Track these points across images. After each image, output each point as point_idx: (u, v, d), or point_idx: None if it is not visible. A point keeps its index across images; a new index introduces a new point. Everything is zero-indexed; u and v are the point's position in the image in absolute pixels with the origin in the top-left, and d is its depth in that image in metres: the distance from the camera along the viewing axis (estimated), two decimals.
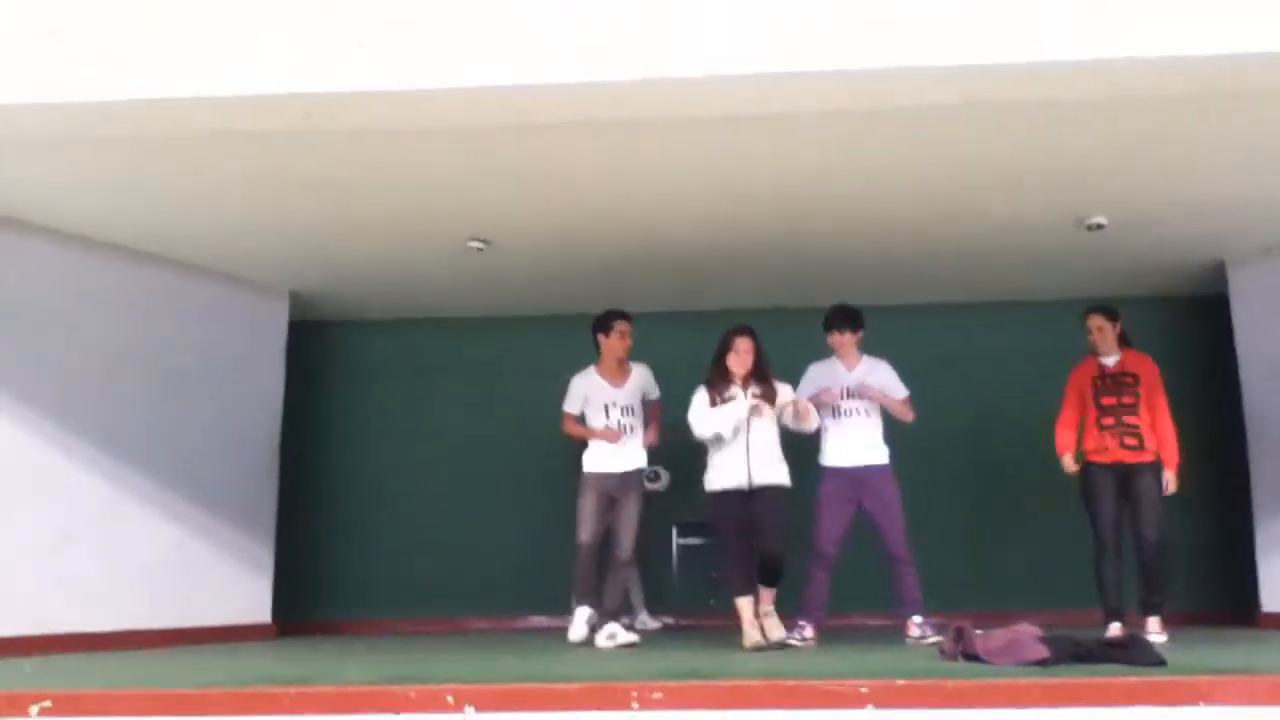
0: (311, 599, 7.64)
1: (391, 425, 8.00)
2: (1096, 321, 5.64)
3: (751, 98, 4.31)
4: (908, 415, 5.62)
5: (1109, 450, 5.46)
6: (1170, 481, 5.45)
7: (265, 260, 6.70)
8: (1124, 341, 5.67)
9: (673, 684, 3.19)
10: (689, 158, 5.12)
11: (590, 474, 5.74)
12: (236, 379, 6.92)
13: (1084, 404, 5.59)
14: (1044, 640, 3.71)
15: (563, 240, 6.33)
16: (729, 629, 5.63)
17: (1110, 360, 5.62)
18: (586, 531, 5.65)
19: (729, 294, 7.34)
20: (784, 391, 5.16)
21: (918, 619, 5.36)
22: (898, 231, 6.26)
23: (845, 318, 5.70)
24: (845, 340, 5.67)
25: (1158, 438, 5.49)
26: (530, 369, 7.88)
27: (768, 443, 5.06)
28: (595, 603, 5.63)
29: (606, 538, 5.73)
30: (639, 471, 5.76)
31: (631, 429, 5.76)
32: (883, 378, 5.66)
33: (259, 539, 6.96)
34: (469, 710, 3.18)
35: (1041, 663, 3.57)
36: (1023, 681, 3.20)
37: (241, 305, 7.00)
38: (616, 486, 5.69)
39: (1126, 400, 5.50)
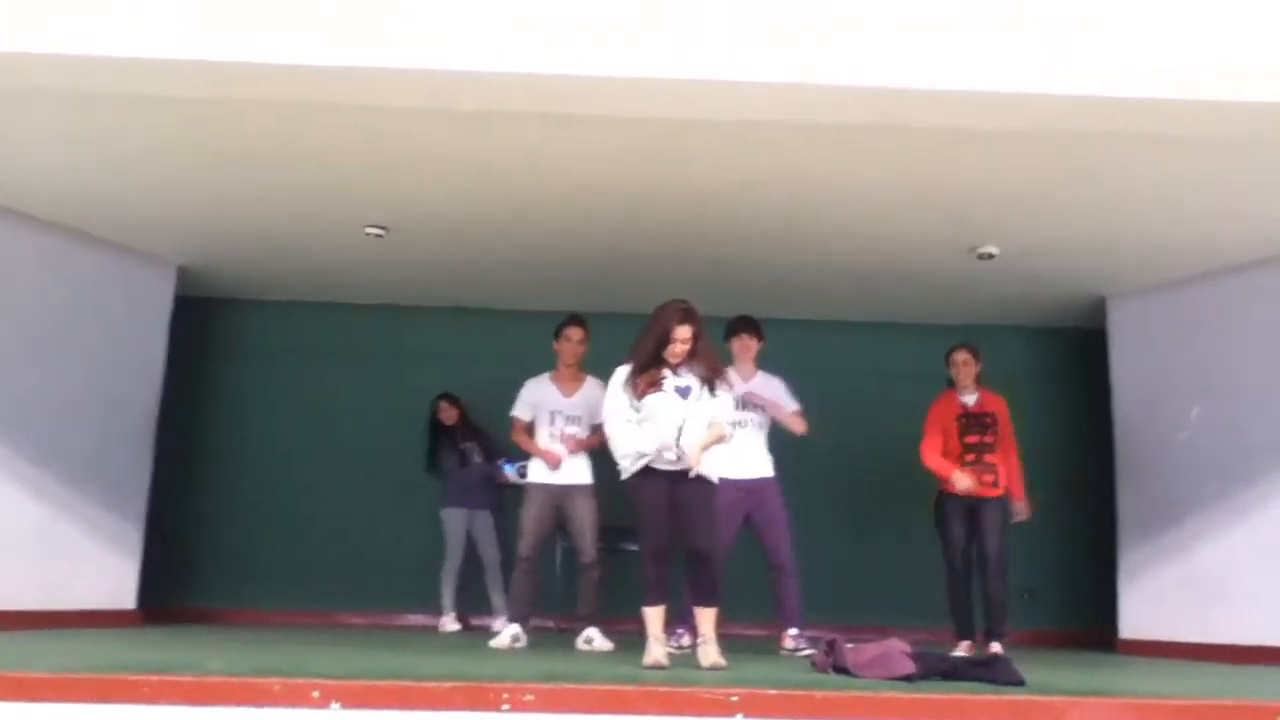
0: (183, 585, 7.41)
1: (278, 409, 7.82)
2: (963, 356, 5.87)
3: (670, 101, 4.33)
4: (800, 427, 5.70)
5: (969, 486, 5.69)
6: (1023, 510, 5.82)
7: (154, 230, 6.47)
8: (979, 380, 5.91)
9: (545, 686, 3.17)
10: (598, 157, 5.11)
11: (534, 485, 5.66)
12: (114, 351, 6.66)
13: (945, 438, 5.82)
14: (912, 656, 3.79)
15: (464, 231, 6.25)
16: (613, 632, 5.63)
17: (970, 399, 5.86)
18: (527, 544, 5.58)
19: (629, 297, 7.34)
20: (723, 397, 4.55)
21: (793, 631, 5.44)
22: (802, 245, 6.35)
23: (748, 325, 5.80)
24: (749, 345, 5.73)
25: (1008, 470, 5.80)
26: (424, 359, 7.80)
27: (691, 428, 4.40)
28: (525, 619, 5.59)
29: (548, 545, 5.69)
30: (588, 486, 5.64)
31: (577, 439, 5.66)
32: (775, 391, 5.73)
33: (129, 520, 6.71)
34: (335, 706, 3.11)
35: (908, 678, 3.65)
36: (887, 695, 3.27)
37: (125, 275, 6.74)
38: (561, 496, 5.63)
39: (988, 439, 5.78)
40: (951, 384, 5.93)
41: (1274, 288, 6.28)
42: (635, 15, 4.08)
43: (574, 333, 5.76)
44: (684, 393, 4.40)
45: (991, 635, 5.67)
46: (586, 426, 5.69)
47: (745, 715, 3.09)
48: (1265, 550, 6.11)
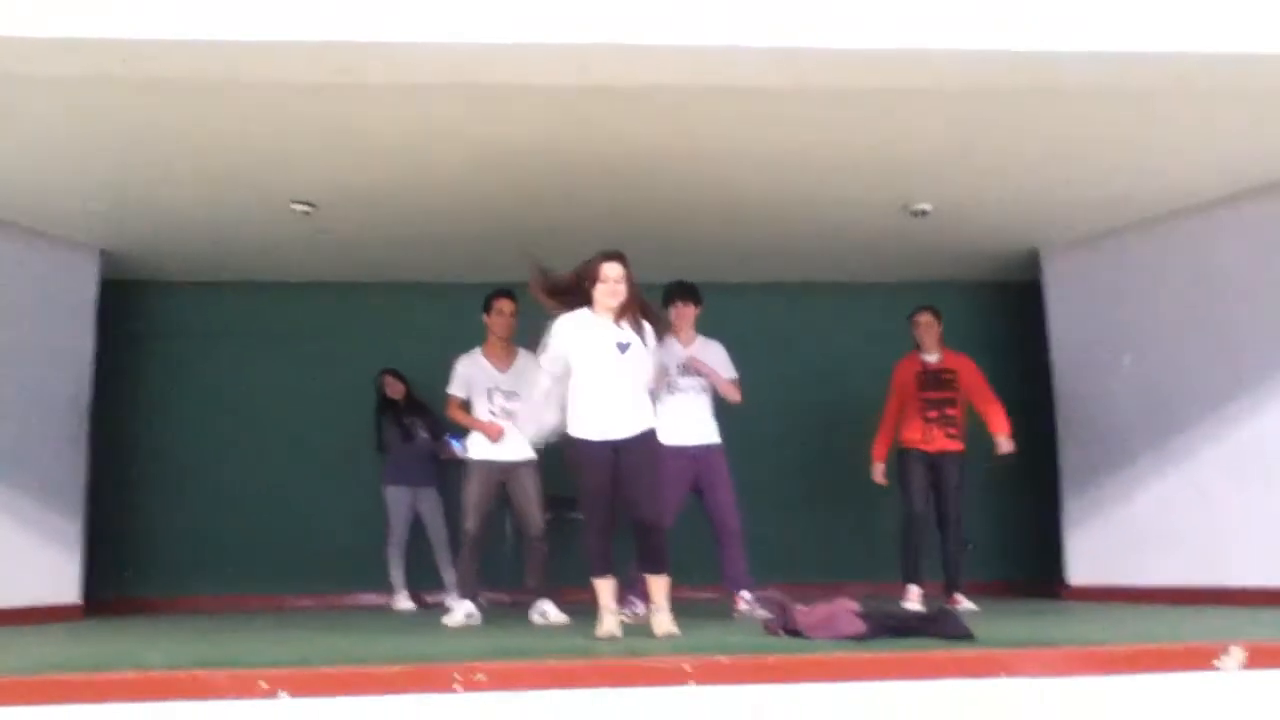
0: (127, 576, 7.26)
1: (213, 392, 7.67)
2: (925, 318, 6.08)
3: (588, 67, 4.27)
4: (735, 396, 5.69)
5: (933, 441, 5.97)
6: (1005, 444, 5.95)
7: (72, 215, 6.26)
8: (942, 341, 6.10)
9: (495, 664, 3.14)
10: (525, 126, 5.03)
11: (476, 461, 5.59)
12: (39, 341, 6.46)
13: (906, 398, 6.03)
14: (861, 615, 3.82)
15: (392, 206, 6.14)
16: (567, 604, 5.61)
17: (932, 357, 6.08)
18: (472, 521, 5.51)
19: (565, 267, 7.27)
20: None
21: (746, 594, 5.47)
22: (734, 211, 6.33)
23: (685, 291, 5.76)
24: (686, 313, 5.71)
25: (990, 415, 5.99)
26: (358, 337, 7.71)
27: (632, 386, 4.27)
28: (476, 596, 5.54)
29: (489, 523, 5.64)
30: (532, 462, 5.57)
31: (515, 415, 5.57)
32: (715, 357, 5.72)
33: (66, 513, 6.54)
34: (282, 695, 3.06)
35: (858, 637, 3.68)
36: (838, 656, 3.29)
37: (44, 262, 6.53)
38: (504, 472, 5.57)
39: (947, 395, 6.00)
40: (916, 346, 6.08)
41: (1197, 236, 6.38)
42: None
43: (505, 305, 5.67)
44: (623, 348, 4.24)
45: (952, 588, 5.91)
46: (526, 398, 5.62)
47: (698, 683, 3.09)
48: (1196, 493, 6.26)
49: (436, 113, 4.85)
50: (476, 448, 5.62)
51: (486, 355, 5.70)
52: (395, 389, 7.27)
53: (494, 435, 5.54)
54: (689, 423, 5.53)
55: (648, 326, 4.36)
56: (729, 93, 4.61)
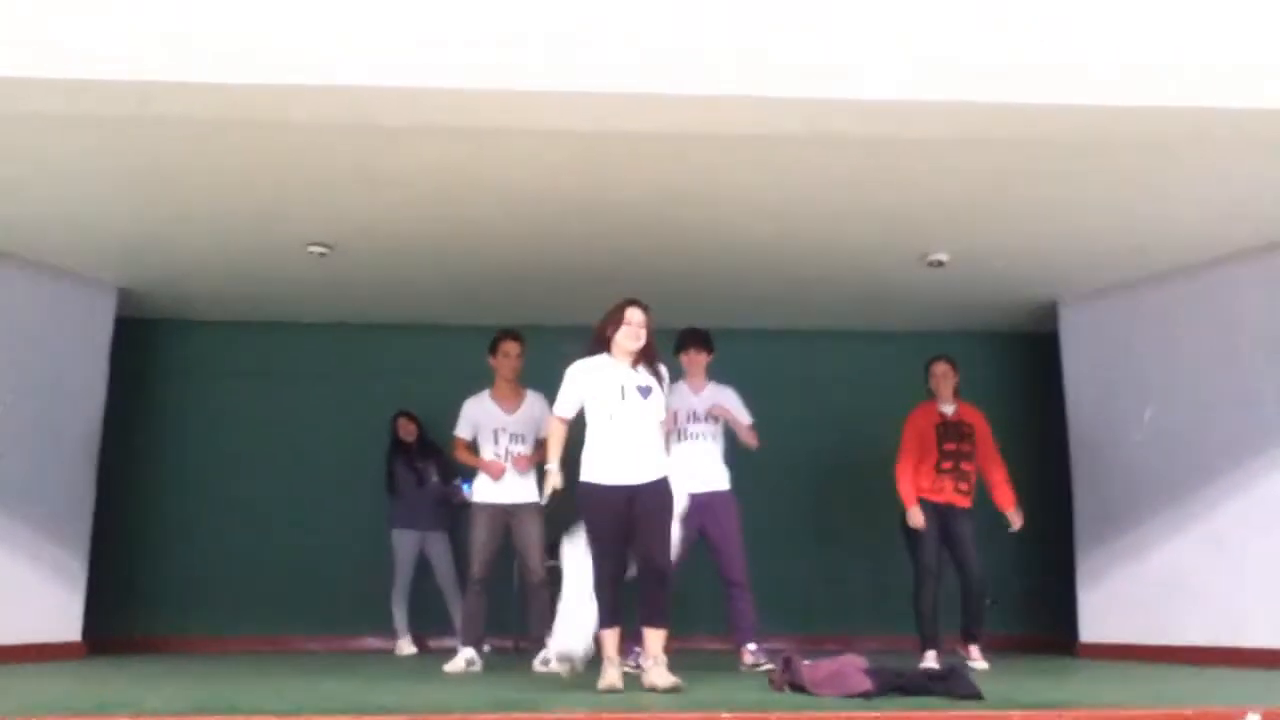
0: (130, 614, 7.23)
1: (224, 432, 7.66)
2: (942, 368, 5.93)
3: (602, 115, 4.28)
4: (753, 441, 5.66)
5: (943, 492, 5.77)
6: (1016, 520, 5.86)
7: (91, 253, 6.31)
8: (957, 392, 5.96)
9: (497, 716, 3.09)
10: (536, 171, 5.04)
11: (479, 504, 5.57)
12: (53, 376, 6.48)
13: (923, 447, 5.82)
14: (868, 672, 3.75)
15: (408, 248, 6.17)
16: None
17: (949, 409, 5.91)
18: (477, 565, 5.48)
19: (572, 311, 7.28)
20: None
21: (751, 646, 5.39)
22: (750, 257, 6.32)
23: (698, 338, 5.73)
24: (698, 360, 5.69)
25: (996, 482, 5.90)
26: (370, 378, 7.70)
27: (651, 431, 4.22)
28: (479, 643, 5.50)
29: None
30: (535, 505, 5.49)
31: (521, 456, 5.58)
32: (728, 403, 5.69)
33: (72, 549, 6.53)
34: None
35: (865, 695, 3.60)
36: (844, 715, 3.22)
37: (63, 298, 6.57)
38: (508, 515, 5.54)
39: (965, 448, 5.83)
40: (931, 395, 5.95)
41: (1215, 288, 6.33)
42: (558, 28, 4.01)
43: (510, 347, 5.67)
44: (645, 392, 4.20)
45: (968, 639, 5.76)
46: (532, 442, 5.61)
47: None
48: (1217, 550, 6.15)
49: (451, 156, 4.87)
50: (480, 490, 5.59)
51: (494, 397, 5.69)
52: (408, 431, 7.26)
53: (495, 473, 5.52)
54: (698, 468, 5.49)
55: (664, 372, 4.34)
56: (745, 140, 4.62)
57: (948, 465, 5.79)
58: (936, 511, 5.77)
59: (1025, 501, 7.50)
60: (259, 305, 7.40)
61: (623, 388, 4.18)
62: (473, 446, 5.68)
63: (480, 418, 5.66)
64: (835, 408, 7.76)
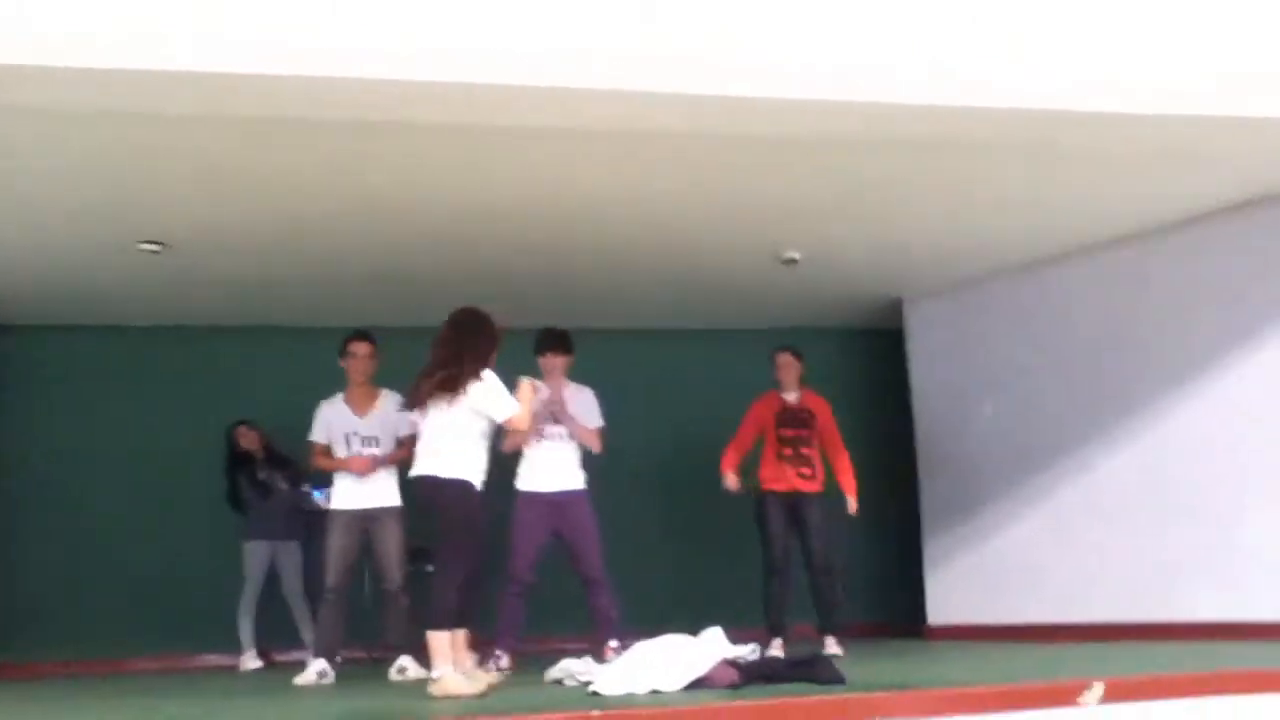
0: None
1: (57, 441, 7.17)
2: (785, 359, 6.07)
3: (464, 107, 4.15)
4: (595, 446, 5.54)
5: (785, 479, 5.88)
6: (851, 504, 5.95)
7: None
8: (802, 381, 6.10)
9: None
10: (388, 167, 4.87)
11: (336, 511, 5.37)
12: None
13: (761, 434, 6.02)
14: (733, 662, 3.75)
15: (249, 247, 5.88)
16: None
17: (791, 396, 6.06)
18: (334, 574, 5.28)
19: (428, 311, 7.11)
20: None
21: (614, 643, 5.34)
22: (610, 255, 6.29)
23: (557, 340, 5.60)
24: (556, 364, 5.58)
25: (839, 469, 6.00)
26: (217, 383, 7.36)
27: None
28: (333, 655, 5.30)
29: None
30: (395, 509, 5.36)
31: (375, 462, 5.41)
32: (583, 405, 5.62)
33: None
34: None
35: (732, 685, 3.61)
36: (713, 705, 3.22)
37: None
38: (366, 521, 5.35)
39: (804, 434, 5.96)
40: (776, 385, 6.08)
41: (1053, 285, 6.65)
42: (418, 17, 3.89)
43: (359, 348, 5.51)
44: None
45: (825, 630, 5.85)
46: (387, 445, 5.46)
47: None
48: (1055, 533, 6.46)
49: (299, 151, 4.66)
50: (338, 496, 5.41)
51: (347, 400, 5.52)
52: (250, 440, 6.94)
53: (358, 469, 5.34)
54: (552, 469, 5.42)
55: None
56: (603, 136, 4.56)
57: (788, 452, 5.91)
58: (782, 501, 5.88)
59: (874, 491, 7.71)
60: (88, 307, 6.96)
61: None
62: (328, 452, 5.50)
63: (332, 420, 5.49)
64: (690, 405, 7.79)
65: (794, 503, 5.87)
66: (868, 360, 8.19)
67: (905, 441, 7.43)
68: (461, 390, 4.06)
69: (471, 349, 4.17)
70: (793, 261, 6.48)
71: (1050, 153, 4.92)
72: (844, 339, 8.21)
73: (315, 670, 5.15)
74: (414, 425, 4.59)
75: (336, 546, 5.30)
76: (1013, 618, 6.51)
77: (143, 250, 5.78)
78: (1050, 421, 6.55)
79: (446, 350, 4.17)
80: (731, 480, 5.93)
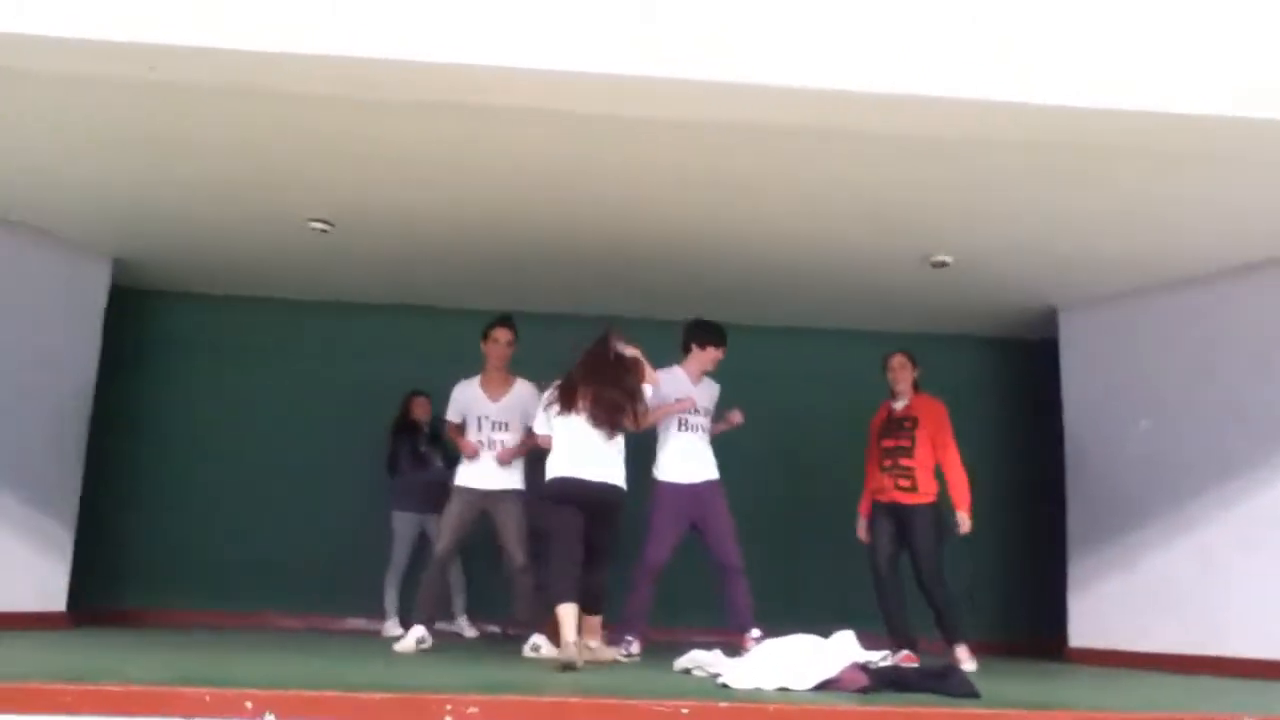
0: (117, 587, 7.16)
1: (215, 407, 7.59)
2: (898, 360, 5.85)
3: (605, 97, 4.23)
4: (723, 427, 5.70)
5: (885, 490, 5.70)
6: (964, 521, 5.60)
7: (86, 221, 6.22)
8: (917, 387, 5.86)
9: (488, 697, 3.05)
10: (535, 152, 4.97)
11: (458, 486, 5.57)
12: (45, 346, 6.40)
13: (873, 447, 5.86)
14: (863, 668, 3.72)
15: (409, 228, 6.09)
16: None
17: (900, 404, 5.84)
18: (444, 544, 5.49)
19: (571, 298, 7.26)
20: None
21: (755, 633, 5.32)
22: (749, 249, 6.26)
23: (722, 335, 5.67)
24: (718, 357, 5.63)
25: (949, 480, 5.67)
26: (363, 358, 7.64)
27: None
28: (433, 620, 5.48)
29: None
30: (513, 492, 5.54)
31: (504, 446, 5.56)
32: (715, 396, 5.66)
33: (59, 519, 6.46)
34: (269, 717, 2.97)
35: (861, 690, 3.58)
36: (840, 708, 3.20)
37: (56, 267, 6.48)
38: (485, 501, 5.52)
39: (903, 443, 5.70)
40: (891, 393, 5.91)
41: (1212, 302, 6.33)
42: (574, 9, 3.97)
43: (501, 334, 5.66)
44: None
45: (949, 640, 5.66)
46: (518, 430, 5.59)
47: None
48: (1206, 562, 6.15)
49: (456, 134, 4.80)
50: (462, 474, 5.59)
51: (482, 384, 5.69)
52: (422, 410, 7.14)
53: (468, 453, 5.51)
54: (693, 460, 5.47)
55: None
56: (751, 129, 4.57)
57: (888, 463, 5.72)
58: (888, 511, 5.70)
59: (1018, 505, 7.51)
60: (257, 280, 7.33)
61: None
62: (462, 430, 5.67)
63: (467, 403, 5.65)
64: (830, 405, 7.69)
65: (897, 513, 5.68)
66: (1018, 370, 7.95)
67: (1054, 457, 7.19)
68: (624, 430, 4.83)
69: (637, 395, 4.86)
70: (943, 265, 6.34)
71: (1218, 162, 4.70)
72: (994, 347, 7.98)
73: (414, 637, 5.34)
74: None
75: (453, 517, 5.48)
76: (1157, 646, 6.24)
77: (312, 228, 6.04)
78: (1207, 444, 6.24)
79: (619, 391, 4.82)
80: (862, 529, 5.85)
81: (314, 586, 7.32)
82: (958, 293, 6.96)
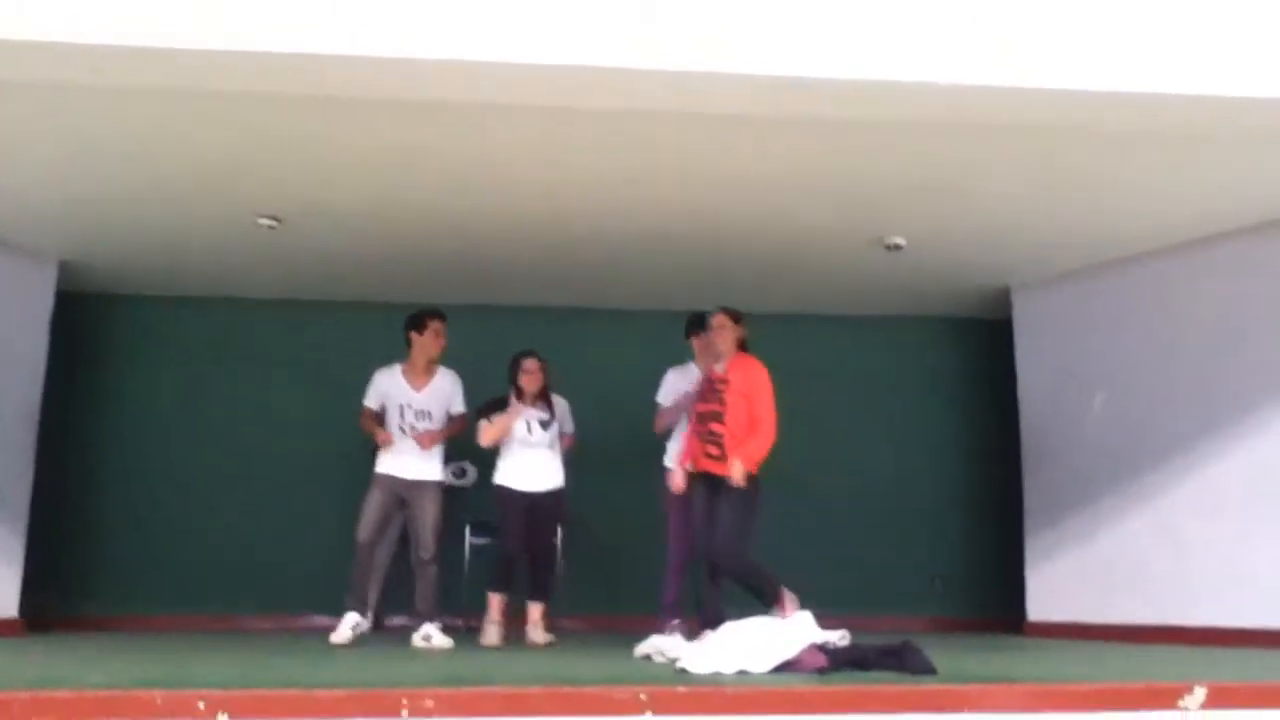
0: (72, 592, 7.07)
1: (168, 409, 7.51)
2: (719, 320, 5.30)
3: (553, 90, 4.22)
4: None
5: (698, 460, 5.21)
6: (735, 469, 4.96)
7: (30, 223, 6.13)
8: (742, 347, 5.29)
9: (445, 690, 3.03)
10: (491, 146, 4.96)
11: (379, 474, 5.58)
12: None
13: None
14: (821, 648, 3.74)
15: (361, 224, 6.05)
16: (516, 631, 5.51)
17: (719, 366, 5.28)
18: (365, 530, 5.49)
19: (531, 292, 7.24)
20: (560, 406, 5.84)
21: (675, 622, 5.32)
22: (704, 237, 6.27)
23: (692, 323, 5.71)
24: (702, 344, 5.63)
25: (747, 438, 5.05)
26: (322, 356, 7.58)
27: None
28: (363, 608, 5.53)
29: (405, 542, 5.65)
30: (433, 483, 5.59)
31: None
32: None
33: (8, 527, 6.35)
34: (221, 718, 2.93)
35: (820, 671, 3.60)
36: (800, 689, 3.20)
37: (1, 270, 6.38)
38: (405, 489, 5.56)
39: (715, 407, 5.16)
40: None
41: (1168, 276, 6.41)
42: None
43: (438, 325, 5.69)
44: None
45: (769, 603, 4.93)
46: (439, 420, 5.63)
47: (654, 714, 3.00)
48: (1163, 534, 6.24)
49: (405, 130, 4.77)
50: (381, 461, 5.60)
51: (405, 372, 5.70)
52: None
53: (384, 442, 5.53)
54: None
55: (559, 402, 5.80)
56: (705, 119, 4.57)
57: (700, 429, 5.20)
58: (700, 482, 5.16)
59: (978, 485, 7.56)
60: (205, 280, 7.25)
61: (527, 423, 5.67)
62: (379, 419, 5.66)
63: (389, 390, 5.67)
64: (784, 391, 7.70)
65: (712, 483, 5.08)
66: (972, 350, 8.02)
67: (1008, 435, 7.27)
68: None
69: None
70: (897, 248, 6.38)
71: (1162, 140, 4.77)
72: (948, 327, 8.04)
73: (348, 624, 5.38)
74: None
75: (374, 505, 5.50)
76: (1116, 618, 6.33)
77: (260, 224, 5.97)
78: (1161, 417, 6.33)
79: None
80: (674, 480, 5.35)
81: (276, 586, 7.26)
82: (913, 275, 7.00)
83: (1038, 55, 4.14)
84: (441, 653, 5.02)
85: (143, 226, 6.15)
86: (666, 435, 5.73)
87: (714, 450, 5.10)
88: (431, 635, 5.39)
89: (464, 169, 5.23)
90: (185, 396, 7.53)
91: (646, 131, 4.76)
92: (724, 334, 5.26)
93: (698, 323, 5.69)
